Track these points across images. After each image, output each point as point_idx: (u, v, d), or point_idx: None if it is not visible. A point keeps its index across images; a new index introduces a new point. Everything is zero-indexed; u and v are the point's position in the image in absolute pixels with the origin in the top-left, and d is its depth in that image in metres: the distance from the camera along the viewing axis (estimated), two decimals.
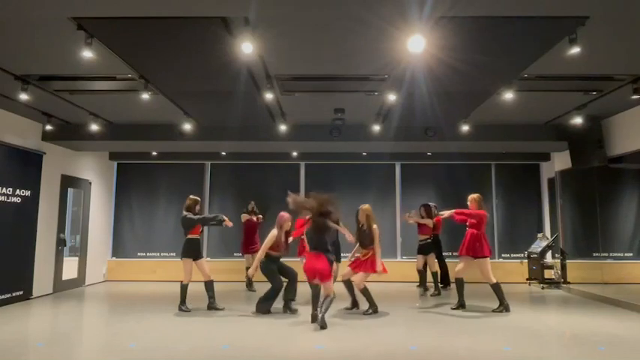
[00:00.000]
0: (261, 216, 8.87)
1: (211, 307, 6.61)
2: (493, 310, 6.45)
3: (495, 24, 3.94)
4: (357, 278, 6.36)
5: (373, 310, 6.31)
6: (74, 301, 7.59)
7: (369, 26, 3.95)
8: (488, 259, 6.54)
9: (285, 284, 6.34)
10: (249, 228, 8.72)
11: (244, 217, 8.78)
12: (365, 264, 6.36)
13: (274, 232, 6.29)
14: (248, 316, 6.19)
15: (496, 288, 6.50)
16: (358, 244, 6.55)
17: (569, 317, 6.41)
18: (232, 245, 10.09)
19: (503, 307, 6.46)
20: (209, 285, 6.65)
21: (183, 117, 7.13)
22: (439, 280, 8.23)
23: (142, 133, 8.07)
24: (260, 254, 6.24)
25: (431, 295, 7.96)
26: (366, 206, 6.57)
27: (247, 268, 8.54)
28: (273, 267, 6.31)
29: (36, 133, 7.73)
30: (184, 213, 6.61)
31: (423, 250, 8.25)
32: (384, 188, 10.45)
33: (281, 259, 6.47)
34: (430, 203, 8.66)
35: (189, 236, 6.60)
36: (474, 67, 4.84)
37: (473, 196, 6.78)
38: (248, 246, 8.65)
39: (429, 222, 8.11)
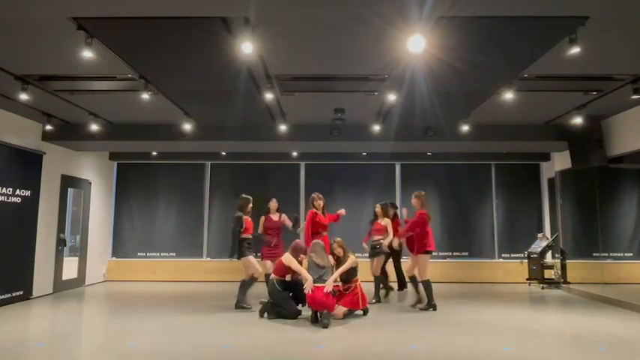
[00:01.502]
0: (285, 216, 7.41)
1: (238, 305, 6.64)
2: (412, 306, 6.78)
3: (495, 24, 3.94)
4: (338, 311, 5.92)
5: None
6: (74, 301, 7.58)
7: (369, 26, 3.95)
8: (422, 255, 6.58)
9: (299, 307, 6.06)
10: (271, 228, 7.24)
11: (263, 219, 7.32)
12: (344, 298, 6.08)
13: (294, 259, 6.01)
14: (249, 315, 6.18)
15: (413, 281, 6.82)
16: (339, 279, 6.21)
17: (569, 317, 6.41)
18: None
19: (419, 302, 6.71)
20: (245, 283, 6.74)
21: (183, 117, 7.13)
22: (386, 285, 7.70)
23: (142, 133, 8.07)
24: (305, 274, 5.83)
25: (374, 301, 7.17)
26: (338, 239, 6.30)
27: (267, 275, 6.83)
28: (284, 294, 6.03)
29: (36, 133, 7.73)
30: (238, 213, 6.76)
31: (381, 251, 7.33)
32: (384, 188, 10.43)
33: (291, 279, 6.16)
34: (388, 202, 8.02)
35: (243, 235, 6.67)
36: (474, 67, 4.84)
37: (415, 194, 6.86)
38: (269, 250, 7.13)
39: (389, 223, 7.36)
